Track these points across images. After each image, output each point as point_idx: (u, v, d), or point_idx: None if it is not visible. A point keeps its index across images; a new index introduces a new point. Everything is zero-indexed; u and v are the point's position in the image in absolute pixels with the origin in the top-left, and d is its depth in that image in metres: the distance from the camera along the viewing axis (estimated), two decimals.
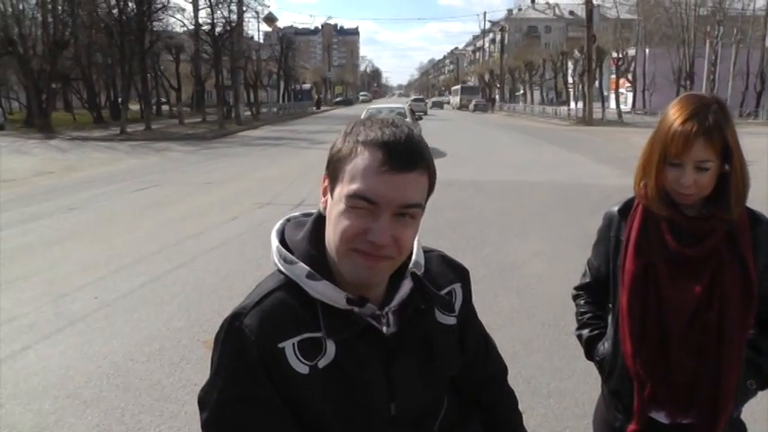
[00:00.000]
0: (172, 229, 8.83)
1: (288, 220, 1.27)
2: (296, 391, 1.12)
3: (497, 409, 1.44)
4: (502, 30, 79.47)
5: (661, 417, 1.80)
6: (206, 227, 8.88)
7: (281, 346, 1.12)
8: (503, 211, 10.01)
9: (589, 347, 1.98)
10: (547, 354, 4.56)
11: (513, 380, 4.10)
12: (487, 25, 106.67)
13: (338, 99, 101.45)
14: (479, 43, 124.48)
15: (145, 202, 11.19)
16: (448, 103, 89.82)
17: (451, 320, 1.29)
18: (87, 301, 5.72)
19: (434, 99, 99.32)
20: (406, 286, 1.19)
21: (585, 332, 2.00)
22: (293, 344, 1.12)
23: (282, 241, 1.21)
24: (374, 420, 1.18)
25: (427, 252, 1.31)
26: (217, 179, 14.45)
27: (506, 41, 77.17)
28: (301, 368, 1.12)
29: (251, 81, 52.33)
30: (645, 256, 1.73)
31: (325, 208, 1.15)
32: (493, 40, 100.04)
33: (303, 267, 1.14)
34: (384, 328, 1.18)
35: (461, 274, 1.35)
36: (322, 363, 1.13)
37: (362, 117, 1.43)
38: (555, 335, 4.89)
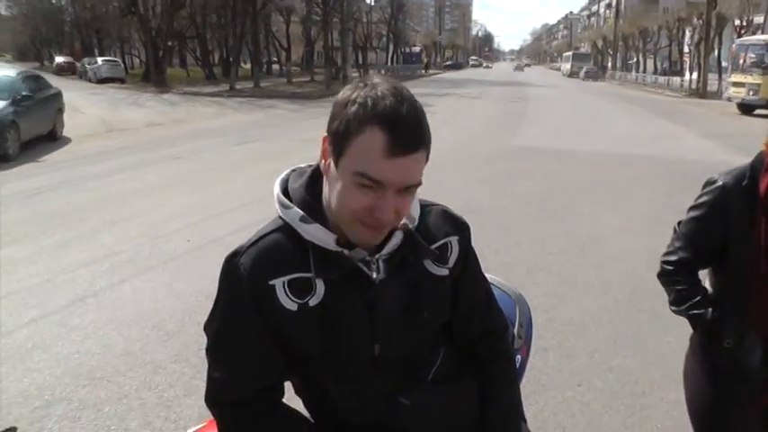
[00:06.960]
0: (267, 182, 9.12)
1: (293, 170, 1.37)
2: (284, 326, 1.23)
3: (491, 362, 1.44)
4: None
5: None
6: None
7: (271, 283, 1.22)
8: (595, 183, 9.73)
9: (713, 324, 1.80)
10: (615, 329, 4.47)
11: (574, 352, 4.02)
12: None
13: (447, 63, 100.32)
14: (594, 8, 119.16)
15: (244, 156, 11.70)
16: (528, 66, 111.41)
17: (444, 272, 1.33)
18: (180, 243, 6.16)
19: (517, 62, 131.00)
20: (398, 237, 1.26)
21: (708, 311, 1.80)
22: (283, 282, 1.22)
23: (285, 190, 1.31)
24: (357, 358, 1.26)
25: (429, 206, 1.37)
26: (317, 137, 14.63)
27: (622, 5, 73.37)
28: (290, 305, 1.22)
29: (360, 43, 52.70)
30: None
31: (325, 169, 1.23)
32: (609, 5, 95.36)
33: (297, 211, 1.24)
34: (374, 274, 1.25)
35: (460, 228, 1.39)
36: (312, 302, 1.22)
37: None
38: (627, 312, 4.78)
